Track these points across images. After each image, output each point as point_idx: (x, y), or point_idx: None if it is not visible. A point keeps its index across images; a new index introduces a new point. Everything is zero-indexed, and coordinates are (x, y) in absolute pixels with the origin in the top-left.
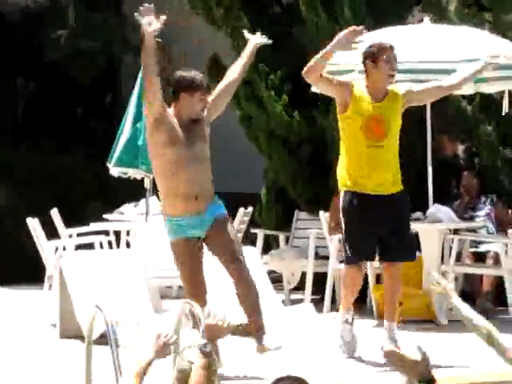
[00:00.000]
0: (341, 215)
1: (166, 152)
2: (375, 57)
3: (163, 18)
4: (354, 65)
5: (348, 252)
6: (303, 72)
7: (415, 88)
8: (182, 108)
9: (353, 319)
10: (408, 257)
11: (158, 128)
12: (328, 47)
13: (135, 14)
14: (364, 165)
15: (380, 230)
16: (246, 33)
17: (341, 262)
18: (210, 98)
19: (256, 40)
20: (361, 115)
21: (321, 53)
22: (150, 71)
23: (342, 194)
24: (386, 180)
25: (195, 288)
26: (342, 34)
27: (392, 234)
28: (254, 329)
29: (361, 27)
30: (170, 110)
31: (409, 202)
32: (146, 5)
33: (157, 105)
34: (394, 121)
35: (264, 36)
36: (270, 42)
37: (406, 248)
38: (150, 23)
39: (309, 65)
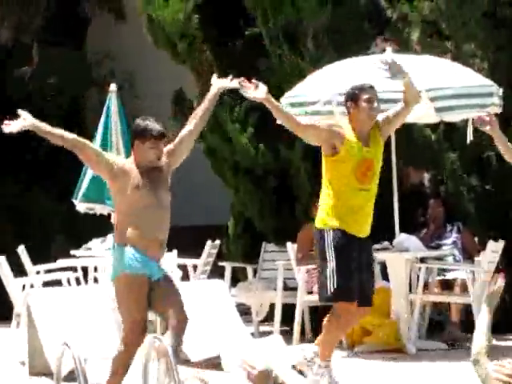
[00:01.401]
0: (330, 253)
1: (130, 195)
2: (356, 97)
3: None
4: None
5: (345, 287)
6: (290, 129)
7: (383, 119)
8: (136, 155)
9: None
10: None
11: (113, 180)
12: (270, 106)
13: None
14: (353, 207)
15: (360, 271)
16: (213, 77)
17: (331, 300)
18: (171, 145)
19: (220, 84)
20: (351, 160)
21: (274, 112)
22: None
23: (330, 233)
24: (369, 222)
25: (142, 322)
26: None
27: (368, 277)
28: None
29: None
30: (129, 160)
31: None
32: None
33: (98, 167)
34: (378, 163)
35: (231, 79)
36: (238, 86)
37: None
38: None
39: (286, 124)
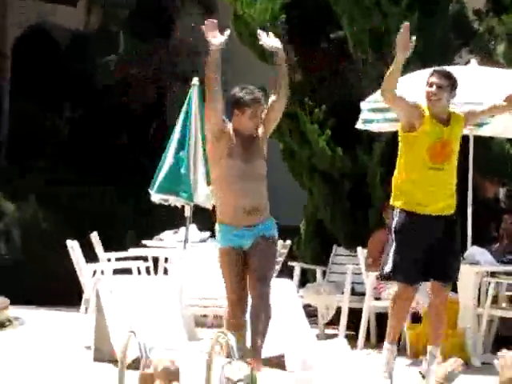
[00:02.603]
0: (393, 233)
1: (223, 163)
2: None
3: (228, 32)
4: None
5: (398, 269)
6: (380, 92)
7: (470, 111)
8: (235, 124)
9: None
10: (452, 280)
11: (217, 140)
12: (396, 57)
13: (202, 26)
14: (425, 186)
15: (432, 251)
16: (261, 35)
17: (385, 278)
18: (265, 113)
19: (271, 43)
20: (428, 137)
21: (392, 66)
22: (211, 85)
23: (396, 212)
24: (445, 201)
25: (237, 292)
26: (399, 38)
27: (445, 254)
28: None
29: (406, 23)
30: (230, 125)
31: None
32: (211, 20)
33: (215, 121)
34: (456, 144)
35: (276, 38)
36: (280, 47)
37: (454, 271)
38: (215, 37)
39: (384, 83)
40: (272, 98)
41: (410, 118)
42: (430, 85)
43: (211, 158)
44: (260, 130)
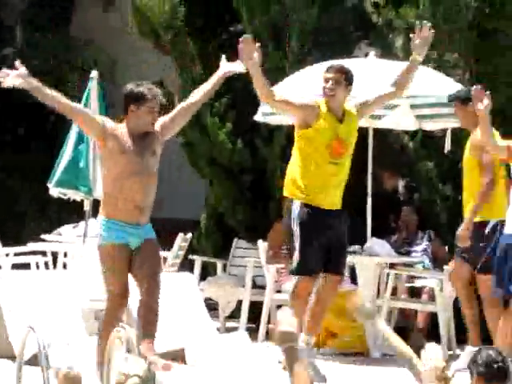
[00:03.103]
0: (295, 226)
1: (115, 159)
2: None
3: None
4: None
5: (302, 263)
6: (261, 99)
7: (362, 102)
8: (130, 121)
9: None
10: (343, 272)
11: (104, 141)
12: (251, 72)
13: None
14: (322, 180)
15: (329, 244)
16: (222, 59)
17: (294, 273)
18: (167, 117)
19: (228, 67)
20: (326, 134)
21: (254, 80)
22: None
23: (296, 204)
24: (338, 196)
25: (123, 290)
26: (241, 50)
27: (339, 247)
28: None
29: (248, 36)
30: (121, 125)
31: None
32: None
33: (91, 129)
34: (352, 140)
35: (240, 63)
36: (243, 70)
37: (344, 262)
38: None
39: (259, 94)
40: (185, 103)
41: (302, 116)
42: (326, 80)
43: (103, 155)
44: (156, 130)
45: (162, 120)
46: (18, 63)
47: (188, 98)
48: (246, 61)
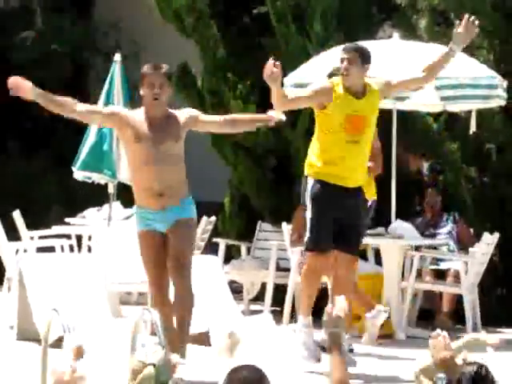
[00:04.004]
0: (308, 202)
1: (132, 148)
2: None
3: (278, 64)
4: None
5: (312, 238)
6: (276, 109)
7: (385, 82)
8: (144, 104)
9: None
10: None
11: (119, 129)
12: (273, 88)
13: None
14: (340, 158)
15: (340, 221)
16: (271, 111)
17: (305, 249)
18: (199, 115)
19: (273, 114)
20: (342, 111)
21: (273, 95)
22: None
23: (310, 182)
24: (357, 174)
25: (156, 279)
26: (266, 74)
27: (351, 225)
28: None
29: (276, 63)
30: (138, 111)
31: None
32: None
33: (97, 120)
34: (372, 117)
35: (282, 114)
36: (283, 119)
37: (357, 242)
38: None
39: (274, 106)
40: (217, 119)
41: (317, 102)
42: (341, 61)
43: (123, 144)
44: (185, 118)
45: (194, 114)
46: (20, 80)
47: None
48: (266, 75)
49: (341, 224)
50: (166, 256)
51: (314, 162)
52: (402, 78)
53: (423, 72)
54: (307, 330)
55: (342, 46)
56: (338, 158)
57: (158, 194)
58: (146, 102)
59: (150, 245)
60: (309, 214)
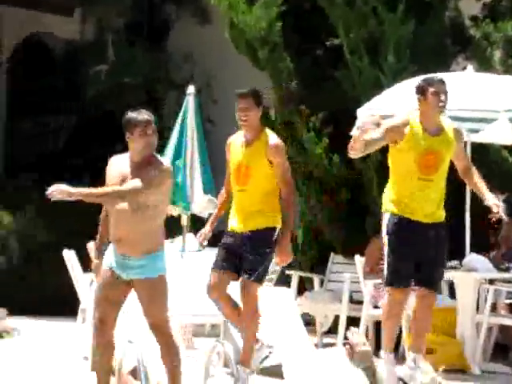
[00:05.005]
0: (385, 238)
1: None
2: (423, 90)
3: None
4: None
5: (391, 273)
6: (349, 151)
7: (461, 142)
8: (129, 148)
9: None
10: (437, 287)
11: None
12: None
13: None
14: (413, 195)
15: (419, 256)
16: None
17: (385, 285)
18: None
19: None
20: (415, 149)
21: (364, 137)
22: None
23: (386, 217)
24: (434, 210)
25: (101, 314)
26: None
27: (430, 261)
28: None
29: None
30: (125, 154)
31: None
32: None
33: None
34: (446, 154)
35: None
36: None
37: (439, 278)
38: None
39: (353, 146)
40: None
41: (391, 140)
42: (438, 93)
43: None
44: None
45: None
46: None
47: None
48: (359, 130)
49: (420, 258)
50: (122, 295)
51: (390, 197)
52: (464, 154)
53: (466, 174)
54: (389, 366)
55: (435, 78)
56: (411, 193)
57: (122, 241)
58: (136, 148)
59: (106, 282)
60: (386, 249)
